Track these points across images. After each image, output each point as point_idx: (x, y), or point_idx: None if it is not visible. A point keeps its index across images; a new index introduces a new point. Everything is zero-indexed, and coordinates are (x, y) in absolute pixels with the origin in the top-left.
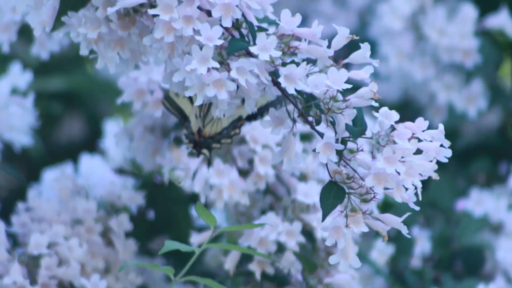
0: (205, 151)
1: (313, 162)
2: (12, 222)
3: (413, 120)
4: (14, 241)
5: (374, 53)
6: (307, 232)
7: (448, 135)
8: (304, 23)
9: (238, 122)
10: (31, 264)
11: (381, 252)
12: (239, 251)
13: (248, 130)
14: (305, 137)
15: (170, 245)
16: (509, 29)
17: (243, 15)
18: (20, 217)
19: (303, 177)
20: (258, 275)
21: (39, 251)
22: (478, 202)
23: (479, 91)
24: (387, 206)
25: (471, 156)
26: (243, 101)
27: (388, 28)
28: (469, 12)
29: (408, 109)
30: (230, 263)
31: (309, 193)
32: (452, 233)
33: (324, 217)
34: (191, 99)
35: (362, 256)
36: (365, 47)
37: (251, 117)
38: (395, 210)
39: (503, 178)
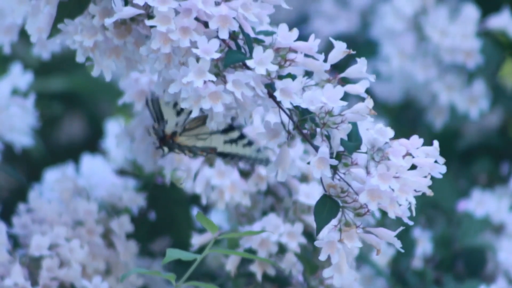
0: (165, 148)
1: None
2: (13, 223)
3: (415, 120)
4: (15, 242)
5: (376, 53)
6: (308, 233)
7: (449, 136)
8: (305, 23)
9: (209, 150)
10: (32, 266)
11: (383, 253)
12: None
13: (249, 131)
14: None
15: (173, 254)
16: (511, 29)
17: (240, 26)
18: (21, 218)
19: (304, 178)
20: (259, 276)
21: (40, 252)
22: (480, 203)
23: (481, 92)
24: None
25: (472, 156)
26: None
27: (390, 28)
28: (471, 12)
29: (409, 110)
30: (231, 264)
31: (310, 194)
32: (453, 234)
33: (318, 231)
34: (178, 113)
35: (363, 257)
36: (362, 62)
37: (222, 155)
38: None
39: (505, 178)
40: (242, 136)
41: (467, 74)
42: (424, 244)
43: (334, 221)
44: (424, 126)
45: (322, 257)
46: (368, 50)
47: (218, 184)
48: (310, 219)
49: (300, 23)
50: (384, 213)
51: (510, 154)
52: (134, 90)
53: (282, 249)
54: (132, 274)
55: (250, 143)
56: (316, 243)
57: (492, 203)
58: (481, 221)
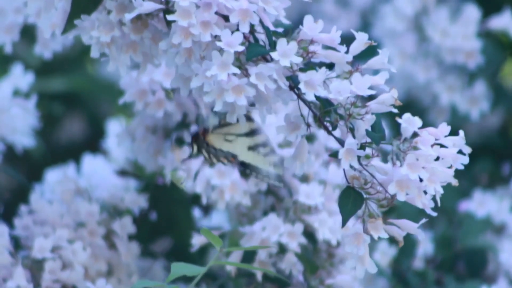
0: (195, 146)
1: (314, 163)
2: (15, 224)
3: None
4: (17, 243)
5: (376, 54)
6: (309, 233)
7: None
8: None
9: (231, 158)
10: (35, 268)
11: (384, 253)
12: (241, 252)
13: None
14: (306, 139)
15: (178, 270)
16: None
17: (259, 19)
18: (22, 220)
19: (304, 178)
20: (259, 276)
21: (43, 255)
22: (481, 203)
23: (482, 93)
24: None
25: (473, 157)
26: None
27: (391, 29)
28: (472, 13)
29: (410, 110)
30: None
31: (311, 194)
32: (454, 235)
33: (344, 223)
34: None
35: None
36: (384, 53)
37: (243, 165)
38: (397, 212)
39: (506, 179)
40: (266, 144)
41: (468, 75)
42: (425, 245)
43: (358, 213)
44: (425, 127)
45: (349, 249)
46: (368, 51)
47: (219, 184)
48: (311, 219)
49: (301, 23)
50: None
51: (511, 155)
52: (134, 89)
53: (282, 249)
54: (132, 268)
55: (272, 152)
56: (344, 236)
57: (493, 204)
58: (482, 221)
